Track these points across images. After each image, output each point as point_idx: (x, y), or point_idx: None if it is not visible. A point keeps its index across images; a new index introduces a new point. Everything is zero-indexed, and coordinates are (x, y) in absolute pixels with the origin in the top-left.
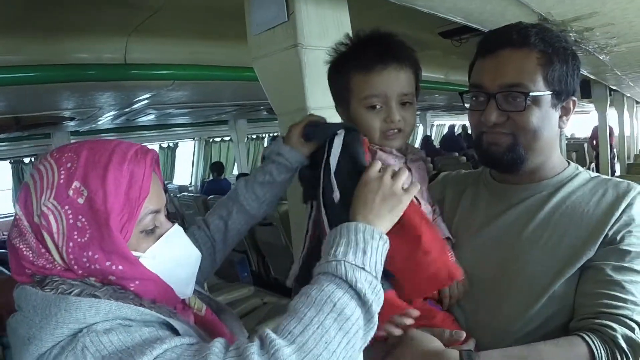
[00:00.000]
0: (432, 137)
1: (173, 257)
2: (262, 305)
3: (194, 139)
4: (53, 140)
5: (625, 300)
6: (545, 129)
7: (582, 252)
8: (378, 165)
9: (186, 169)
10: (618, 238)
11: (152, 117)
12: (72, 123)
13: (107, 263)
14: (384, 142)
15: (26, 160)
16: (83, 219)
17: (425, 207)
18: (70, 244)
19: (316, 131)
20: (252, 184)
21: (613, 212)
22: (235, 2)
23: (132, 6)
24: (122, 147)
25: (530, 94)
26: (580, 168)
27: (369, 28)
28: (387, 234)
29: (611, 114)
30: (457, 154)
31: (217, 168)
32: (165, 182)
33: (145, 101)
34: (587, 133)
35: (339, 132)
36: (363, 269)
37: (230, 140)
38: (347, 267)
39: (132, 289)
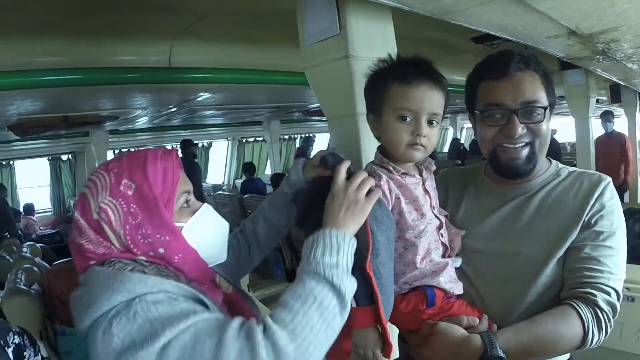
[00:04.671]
0: (462, 140)
1: (207, 226)
2: None
3: (227, 138)
4: (92, 138)
5: (602, 272)
6: (548, 136)
7: (566, 236)
8: (342, 177)
9: (219, 168)
10: (592, 222)
11: (187, 117)
12: (113, 122)
13: (157, 236)
14: (407, 153)
15: (64, 157)
16: (134, 206)
17: (439, 212)
18: (127, 227)
19: (330, 159)
20: (274, 196)
21: (588, 201)
22: (276, 9)
23: (178, 12)
24: (152, 150)
25: (545, 108)
26: (560, 165)
27: (408, 39)
28: None
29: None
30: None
31: (248, 168)
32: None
33: (186, 103)
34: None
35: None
36: (337, 266)
37: (263, 140)
38: (325, 267)
39: (175, 261)
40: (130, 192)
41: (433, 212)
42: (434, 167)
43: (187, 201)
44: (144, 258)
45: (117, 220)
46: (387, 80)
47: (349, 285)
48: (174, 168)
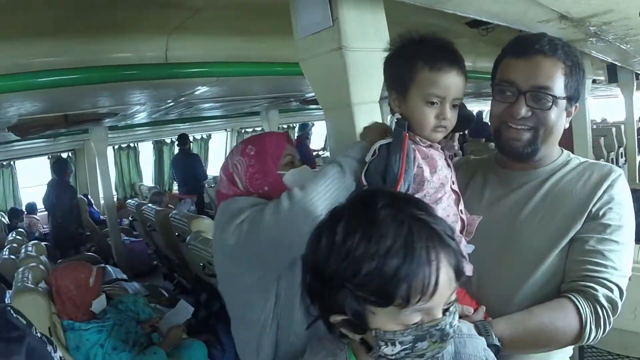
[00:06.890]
0: None
1: (300, 176)
2: None
3: (226, 130)
4: (91, 135)
5: (605, 266)
6: (556, 126)
7: (571, 226)
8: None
9: (220, 160)
10: (600, 213)
11: (185, 110)
12: (112, 119)
13: (265, 178)
14: (431, 135)
15: (64, 155)
16: (252, 161)
17: (457, 188)
18: (247, 174)
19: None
20: None
21: (596, 191)
22: (270, 1)
23: (173, 6)
24: (270, 132)
25: (557, 97)
26: (571, 155)
27: (401, 25)
28: None
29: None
30: (484, 140)
31: None
32: None
33: (184, 97)
34: (618, 118)
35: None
36: (349, 156)
37: (262, 130)
38: (340, 157)
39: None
40: (252, 153)
41: (452, 187)
42: (455, 149)
43: (292, 162)
44: (255, 195)
45: (242, 171)
46: (416, 62)
47: (350, 166)
48: (282, 140)
